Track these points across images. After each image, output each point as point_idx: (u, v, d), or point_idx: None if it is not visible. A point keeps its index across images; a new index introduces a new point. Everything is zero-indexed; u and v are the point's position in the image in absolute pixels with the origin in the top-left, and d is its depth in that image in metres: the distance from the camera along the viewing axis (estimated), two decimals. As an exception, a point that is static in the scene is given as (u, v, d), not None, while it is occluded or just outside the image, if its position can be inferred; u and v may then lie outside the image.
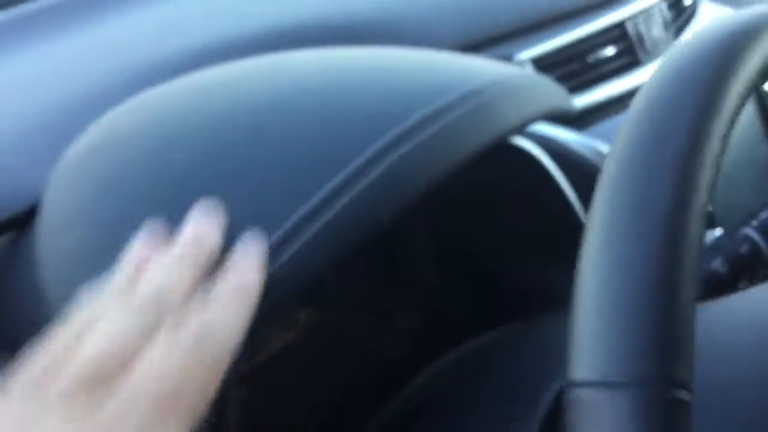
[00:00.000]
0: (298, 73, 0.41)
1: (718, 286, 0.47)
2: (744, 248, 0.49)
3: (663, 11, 0.69)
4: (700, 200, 0.24)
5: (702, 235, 0.23)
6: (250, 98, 0.38)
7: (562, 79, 0.61)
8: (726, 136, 0.25)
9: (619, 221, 0.24)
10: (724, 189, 0.69)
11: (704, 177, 0.24)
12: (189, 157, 0.35)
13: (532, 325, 0.47)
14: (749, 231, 0.49)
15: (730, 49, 0.26)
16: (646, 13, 0.67)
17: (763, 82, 0.28)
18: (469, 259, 0.53)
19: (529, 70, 0.59)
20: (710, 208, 0.63)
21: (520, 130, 0.43)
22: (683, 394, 0.22)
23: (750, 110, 0.75)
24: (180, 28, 0.60)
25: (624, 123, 0.25)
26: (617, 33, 0.65)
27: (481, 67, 0.44)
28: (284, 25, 0.55)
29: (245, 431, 0.46)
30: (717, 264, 0.48)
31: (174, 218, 0.33)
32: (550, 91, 0.45)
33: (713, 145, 0.24)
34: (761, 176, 0.73)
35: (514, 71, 0.45)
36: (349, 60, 0.44)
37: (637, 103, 0.26)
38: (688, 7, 0.72)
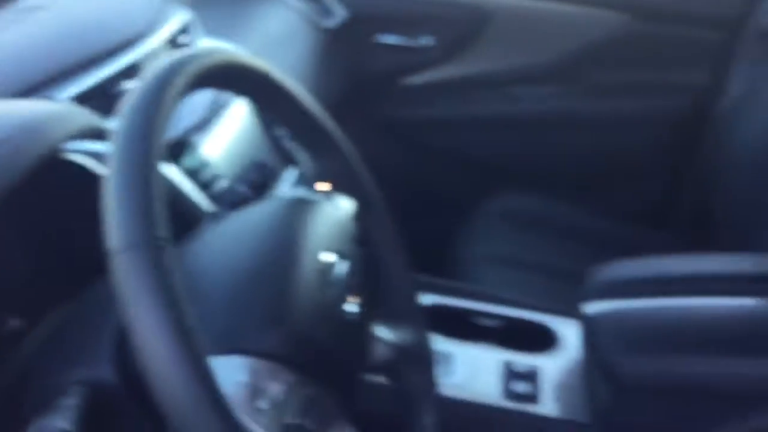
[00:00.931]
0: None
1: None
2: (237, 196, 0.77)
3: (165, 51, 0.96)
4: (155, 158, 0.48)
5: (158, 175, 0.47)
6: None
7: (98, 109, 0.83)
8: (162, 133, 0.49)
9: (116, 171, 0.47)
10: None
11: (155, 145, 0.48)
12: None
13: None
14: (238, 185, 0.78)
15: (161, 77, 0.51)
16: (153, 53, 0.93)
17: (190, 92, 0.54)
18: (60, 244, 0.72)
19: (70, 104, 0.80)
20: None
21: (64, 145, 0.63)
22: (163, 243, 0.46)
23: (251, 114, 1.07)
24: None
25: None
26: (136, 70, 0.89)
27: (28, 106, 0.64)
28: None
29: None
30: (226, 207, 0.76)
31: None
32: (81, 117, 0.67)
33: (157, 136, 0.48)
34: (259, 153, 1.06)
35: (54, 106, 0.66)
36: None
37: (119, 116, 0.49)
38: (184, 45, 1.01)
